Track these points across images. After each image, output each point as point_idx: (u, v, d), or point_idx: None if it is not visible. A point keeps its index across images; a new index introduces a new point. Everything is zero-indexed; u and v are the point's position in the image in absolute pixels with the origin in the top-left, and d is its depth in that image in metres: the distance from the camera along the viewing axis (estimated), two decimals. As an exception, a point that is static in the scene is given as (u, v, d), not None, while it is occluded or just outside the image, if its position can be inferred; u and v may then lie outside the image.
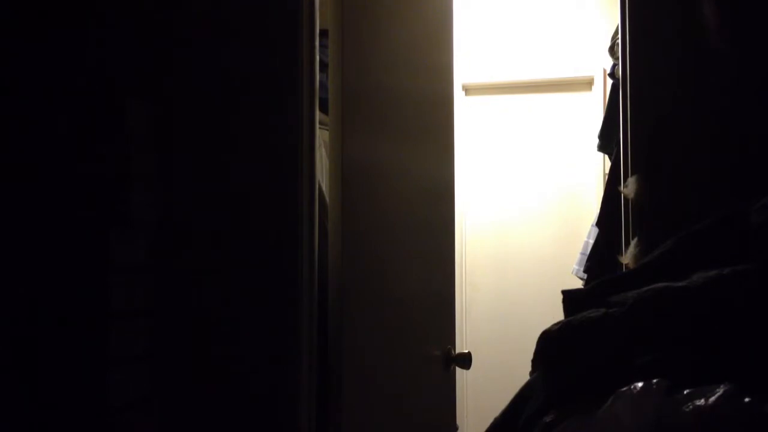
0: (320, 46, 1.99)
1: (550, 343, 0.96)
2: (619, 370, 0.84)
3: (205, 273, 1.91)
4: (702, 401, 0.73)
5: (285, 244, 1.88)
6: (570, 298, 1.04)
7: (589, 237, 3.25)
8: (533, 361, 0.99)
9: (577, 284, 3.13)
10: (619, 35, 2.10)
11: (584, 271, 3.11)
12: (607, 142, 2.86)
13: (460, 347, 2.84)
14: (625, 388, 0.77)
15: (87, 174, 1.78)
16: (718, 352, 0.83)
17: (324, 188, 2.12)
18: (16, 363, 1.76)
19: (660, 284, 0.90)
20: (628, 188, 1.97)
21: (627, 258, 1.87)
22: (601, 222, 2.83)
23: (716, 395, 0.73)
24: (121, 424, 1.77)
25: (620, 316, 0.90)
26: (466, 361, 2.52)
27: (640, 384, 0.76)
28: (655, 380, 0.77)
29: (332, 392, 1.93)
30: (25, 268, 1.78)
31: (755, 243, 0.90)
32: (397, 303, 2.20)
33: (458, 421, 2.79)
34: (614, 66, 2.61)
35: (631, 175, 1.98)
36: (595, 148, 3.13)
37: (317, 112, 1.96)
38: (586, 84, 4.48)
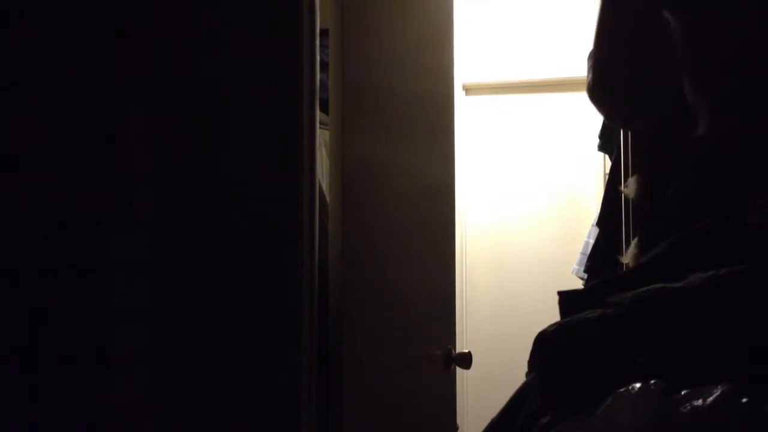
0: (320, 45, 1.99)
1: (546, 344, 0.95)
2: (616, 371, 0.83)
3: (205, 273, 1.91)
4: (700, 401, 0.73)
5: (285, 244, 1.88)
6: (566, 299, 1.03)
7: (589, 237, 3.25)
8: (529, 362, 0.99)
9: (578, 284, 3.13)
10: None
11: (584, 271, 3.11)
12: (607, 142, 2.87)
13: (460, 347, 2.84)
14: (623, 389, 0.76)
15: (87, 174, 1.78)
16: (715, 353, 0.83)
17: (324, 188, 2.12)
18: (16, 363, 1.76)
19: (657, 285, 0.90)
20: (628, 188, 1.97)
21: (627, 258, 1.87)
22: (601, 222, 2.83)
23: (714, 395, 0.73)
24: (122, 424, 1.77)
25: (617, 316, 0.90)
26: (466, 361, 2.52)
27: (638, 384, 0.76)
28: (653, 381, 0.77)
29: (332, 392, 1.93)
30: (25, 268, 1.78)
31: (754, 243, 0.90)
32: (398, 303, 2.20)
33: (458, 421, 2.79)
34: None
35: (631, 175, 1.98)
36: (595, 148, 3.13)
37: (317, 112, 1.96)
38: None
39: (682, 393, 0.75)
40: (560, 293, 1.04)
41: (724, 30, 1.01)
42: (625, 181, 2.02)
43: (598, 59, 1.14)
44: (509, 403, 0.96)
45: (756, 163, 0.97)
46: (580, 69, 4.49)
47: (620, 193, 2.04)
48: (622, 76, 1.13)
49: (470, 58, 4.62)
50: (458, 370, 2.59)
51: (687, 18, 1.04)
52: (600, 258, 2.86)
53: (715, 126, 1.02)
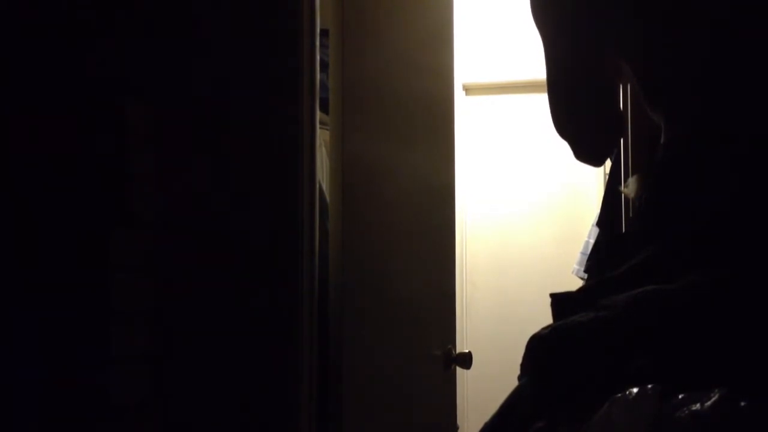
0: (320, 46, 1.99)
1: (539, 348, 0.95)
2: (611, 375, 0.83)
3: (205, 273, 1.91)
4: (698, 406, 0.72)
5: (285, 244, 1.88)
6: (558, 301, 1.02)
7: (589, 237, 3.25)
8: (522, 366, 0.98)
9: (578, 284, 3.13)
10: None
11: (585, 271, 3.11)
12: (607, 142, 2.85)
13: (461, 347, 2.84)
14: (619, 394, 0.76)
15: (87, 174, 1.78)
16: (712, 356, 0.83)
17: (324, 188, 2.12)
18: (16, 363, 1.76)
19: (650, 287, 0.89)
20: (629, 188, 1.97)
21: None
22: (601, 222, 2.83)
23: (712, 399, 0.73)
24: (122, 425, 1.77)
25: (611, 319, 0.89)
26: (466, 360, 2.52)
27: (635, 389, 0.76)
28: (650, 385, 0.76)
29: (332, 392, 1.93)
30: (25, 269, 1.78)
31: (746, 244, 0.90)
32: (398, 303, 2.20)
33: (458, 421, 2.79)
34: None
35: (631, 175, 1.98)
36: (596, 148, 3.11)
37: (317, 112, 1.96)
38: (588, 83, 4.46)
39: (680, 397, 0.75)
40: (552, 295, 1.03)
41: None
42: (625, 181, 2.01)
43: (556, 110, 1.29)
44: (502, 407, 0.96)
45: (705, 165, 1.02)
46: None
47: (620, 193, 2.03)
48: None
49: (470, 58, 4.62)
50: (458, 370, 2.59)
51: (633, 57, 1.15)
52: (600, 258, 2.86)
53: (669, 135, 1.10)
